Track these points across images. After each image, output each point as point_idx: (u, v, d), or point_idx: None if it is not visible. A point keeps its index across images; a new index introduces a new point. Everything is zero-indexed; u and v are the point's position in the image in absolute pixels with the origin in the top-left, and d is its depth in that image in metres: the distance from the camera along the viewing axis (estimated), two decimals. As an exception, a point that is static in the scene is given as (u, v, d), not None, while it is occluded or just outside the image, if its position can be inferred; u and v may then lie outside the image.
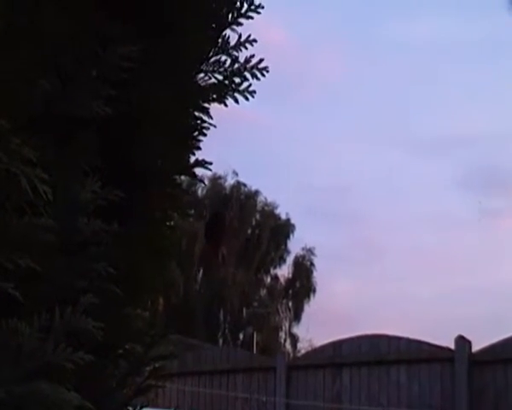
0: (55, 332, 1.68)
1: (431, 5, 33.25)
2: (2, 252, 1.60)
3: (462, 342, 9.00)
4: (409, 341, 9.56)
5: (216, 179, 28.43)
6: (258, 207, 29.83)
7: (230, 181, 29.28)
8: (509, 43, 29.85)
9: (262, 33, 2.21)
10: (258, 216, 29.70)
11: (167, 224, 2.26)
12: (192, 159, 2.20)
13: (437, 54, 33.91)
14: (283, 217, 29.46)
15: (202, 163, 2.19)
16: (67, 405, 1.66)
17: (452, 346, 9.11)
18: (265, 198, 29.58)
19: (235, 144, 30.79)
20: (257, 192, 29.50)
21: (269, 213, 29.57)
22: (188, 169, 2.20)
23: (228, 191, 29.19)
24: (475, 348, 9.06)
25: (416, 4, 34.32)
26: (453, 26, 33.44)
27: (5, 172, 1.54)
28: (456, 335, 9.09)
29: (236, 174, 29.07)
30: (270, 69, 2.15)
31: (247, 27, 2.19)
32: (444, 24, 33.66)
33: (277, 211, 29.60)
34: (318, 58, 33.94)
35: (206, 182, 25.39)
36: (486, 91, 33.03)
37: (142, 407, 2.23)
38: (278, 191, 37.28)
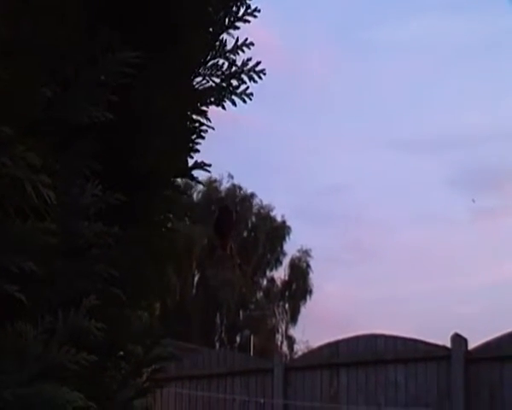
0: (59, 334, 1.71)
1: (422, 6, 33.25)
2: (6, 255, 1.62)
3: (459, 339, 9.01)
4: (405, 340, 9.56)
5: (211, 183, 28.37)
6: (254, 209, 29.76)
7: (226, 184, 29.25)
8: (501, 43, 29.96)
9: (255, 36, 2.23)
10: (253, 219, 29.64)
11: (167, 226, 2.28)
12: (190, 161, 2.23)
13: (429, 54, 33.91)
14: (279, 219, 29.43)
15: (201, 165, 2.22)
16: (71, 405, 1.68)
17: (448, 344, 9.13)
18: (261, 201, 29.52)
19: (230, 147, 30.67)
20: (252, 195, 29.44)
21: (264, 216, 29.48)
22: (187, 172, 2.23)
23: (223, 194, 29.14)
24: (471, 345, 9.08)
25: (407, 6, 34.31)
26: (445, 26, 33.48)
27: (9, 177, 1.56)
28: (452, 333, 9.11)
29: (232, 177, 29.05)
30: (265, 72, 2.18)
31: (240, 29, 2.21)
32: (436, 24, 33.70)
33: (273, 213, 29.56)
34: (312, 61, 33.96)
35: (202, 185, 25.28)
36: (479, 91, 33.07)
37: None
38: (273, 194, 37.30)
